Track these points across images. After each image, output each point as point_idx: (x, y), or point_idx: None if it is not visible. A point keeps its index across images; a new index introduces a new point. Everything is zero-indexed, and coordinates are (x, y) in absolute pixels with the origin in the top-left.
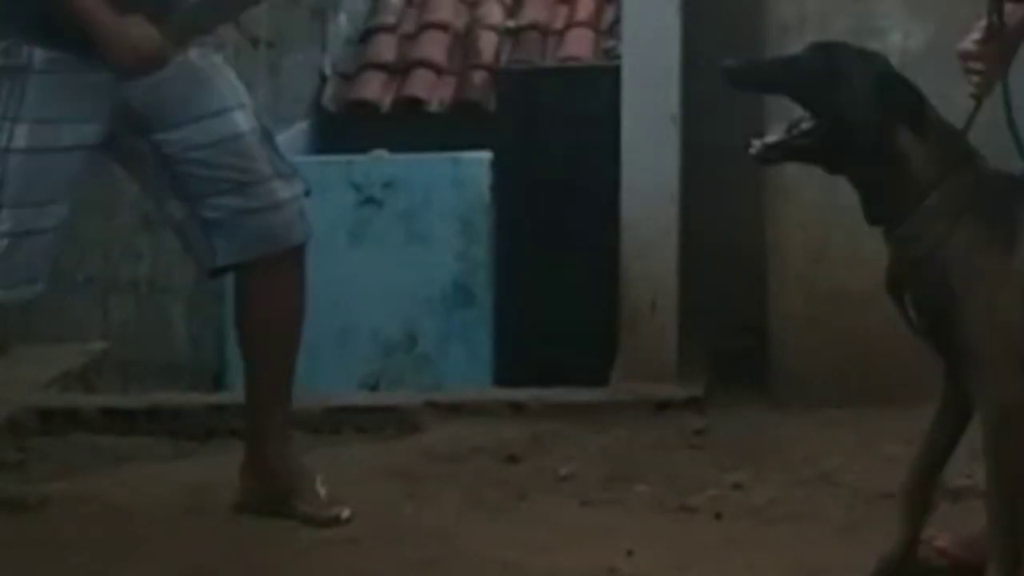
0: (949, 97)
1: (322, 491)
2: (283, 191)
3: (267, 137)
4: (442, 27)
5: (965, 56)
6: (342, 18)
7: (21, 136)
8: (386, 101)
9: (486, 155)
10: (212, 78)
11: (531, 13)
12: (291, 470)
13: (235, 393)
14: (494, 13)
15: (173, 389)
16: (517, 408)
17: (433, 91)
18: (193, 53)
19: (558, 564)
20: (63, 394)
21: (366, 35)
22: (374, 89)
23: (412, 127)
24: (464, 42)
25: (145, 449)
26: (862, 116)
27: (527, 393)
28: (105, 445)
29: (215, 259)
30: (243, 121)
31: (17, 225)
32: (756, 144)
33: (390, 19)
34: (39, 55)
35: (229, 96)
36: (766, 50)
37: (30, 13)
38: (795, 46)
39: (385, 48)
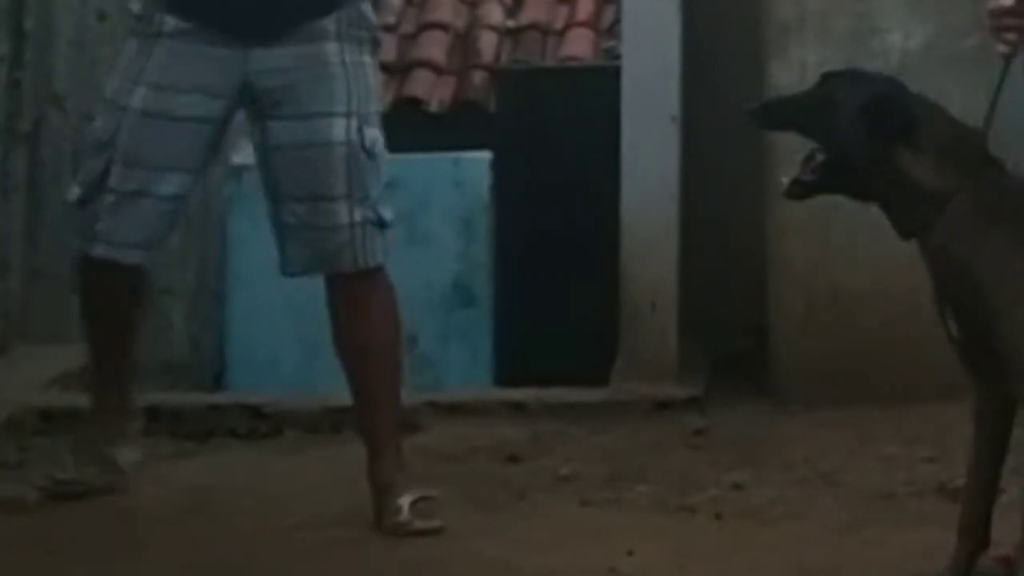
0: (949, 97)
1: (405, 503)
2: (343, 215)
3: (364, 154)
4: (442, 27)
5: (998, 13)
6: None
7: (139, 97)
8: (386, 101)
9: (486, 155)
10: (336, 78)
11: (531, 13)
12: (378, 485)
13: (235, 393)
14: (494, 13)
15: (173, 389)
16: (517, 408)
17: (433, 91)
18: (332, 48)
19: (558, 564)
20: (63, 394)
21: None
22: None
23: (412, 127)
24: (464, 42)
25: (145, 449)
26: (851, 143)
27: (527, 393)
28: None
29: (284, 266)
30: (340, 130)
31: (126, 184)
32: (783, 181)
33: (390, 19)
34: (171, 23)
35: (340, 100)
36: (766, 50)
37: None
38: (795, 46)
39: (385, 48)
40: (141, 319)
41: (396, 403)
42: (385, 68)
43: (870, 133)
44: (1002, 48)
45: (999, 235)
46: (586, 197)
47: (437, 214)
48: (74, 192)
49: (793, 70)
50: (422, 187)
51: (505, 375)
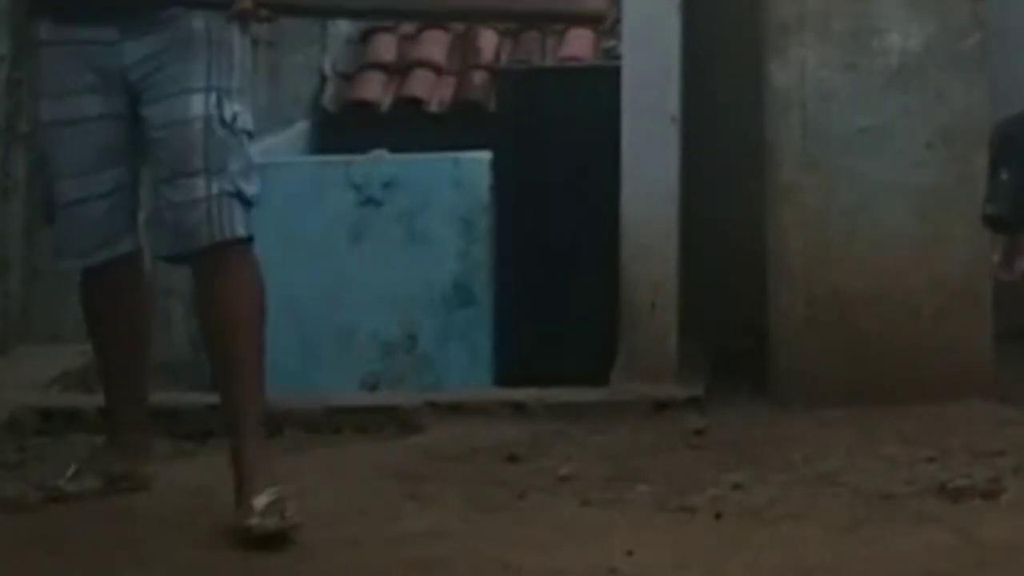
0: (949, 97)
1: (260, 504)
2: (201, 189)
3: (222, 128)
4: (442, 27)
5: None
6: None
7: (45, 110)
8: (386, 101)
9: (486, 155)
10: (198, 54)
11: None
12: (238, 474)
13: None
14: None
15: (173, 389)
16: (517, 408)
17: (433, 91)
18: (198, 24)
19: (558, 564)
20: (63, 394)
21: (366, 35)
22: (374, 89)
23: (412, 127)
24: (464, 42)
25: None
26: None
27: (527, 393)
28: None
29: (153, 250)
30: (199, 106)
31: (67, 195)
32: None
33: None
34: (46, 29)
35: (199, 75)
36: (766, 50)
37: None
38: (795, 46)
39: (385, 48)
40: (148, 332)
41: (259, 384)
42: (385, 68)
43: None
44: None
45: None
46: (586, 197)
47: (437, 214)
48: (42, 213)
49: (793, 70)
50: (422, 187)
51: (505, 375)
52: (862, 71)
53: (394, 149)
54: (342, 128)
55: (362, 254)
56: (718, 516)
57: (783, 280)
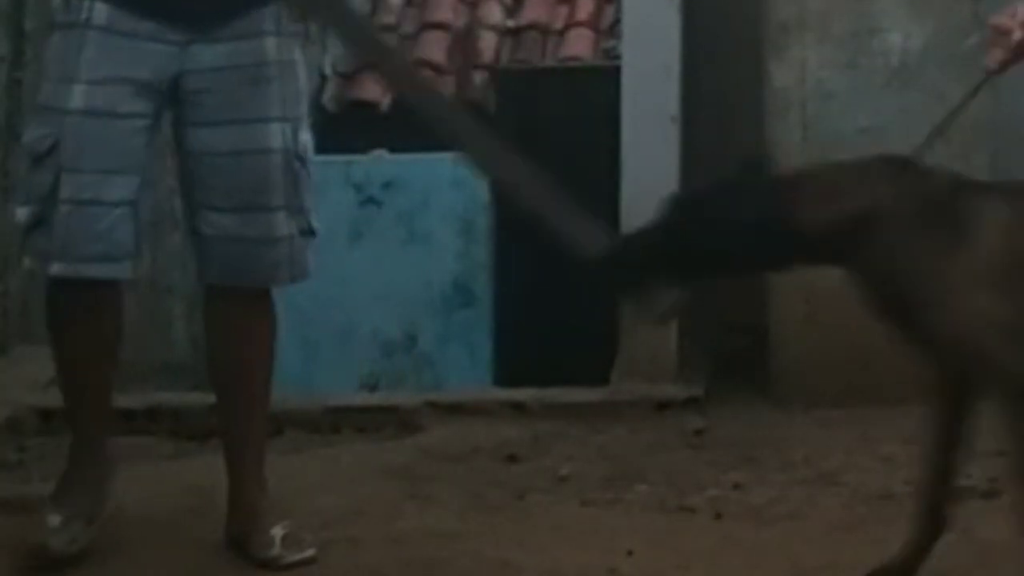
0: (949, 97)
1: (277, 535)
2: (282, 227)
3: (297, 161)
4: (442, 27)
5: (994, 29)
6: None
7: (77, 96)
8: (386, 101)
9: None
10: (272, 80)
11: (531, 13)
12: (241, 508)
13: None
14: (494, 13)
15: (173, 389)
16: (517, 408)
17: None
18: (271, 44)
19: (558, 564)
20: None
21: None
22: (374, 89)
23: (412, 127)
24: (464, 42)
25: (145, 449)
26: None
27: (527, 393)
28: None
29: (206, 276)
30: (276, 137)
31: (78, 191)
32: None
33: (390, 19)
34: (100, 11)
35: (275, 104)
36: (766, 50)
37: None
38: (795, 46)
39: None
40: (116, 359)
41: (266, 418)
42: None
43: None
44: (988, 63)
45: (920, 240)
46: (586, 197)
47: (437, 214)
48: (23, 213)
49: (793, 70)
50: (422, 187)
51: (505, 375)
52: (862, 71)
53: (394, 149)
54: (342, 128)
55: (362, 254)
56: (718, 516)
57: (783, 280)
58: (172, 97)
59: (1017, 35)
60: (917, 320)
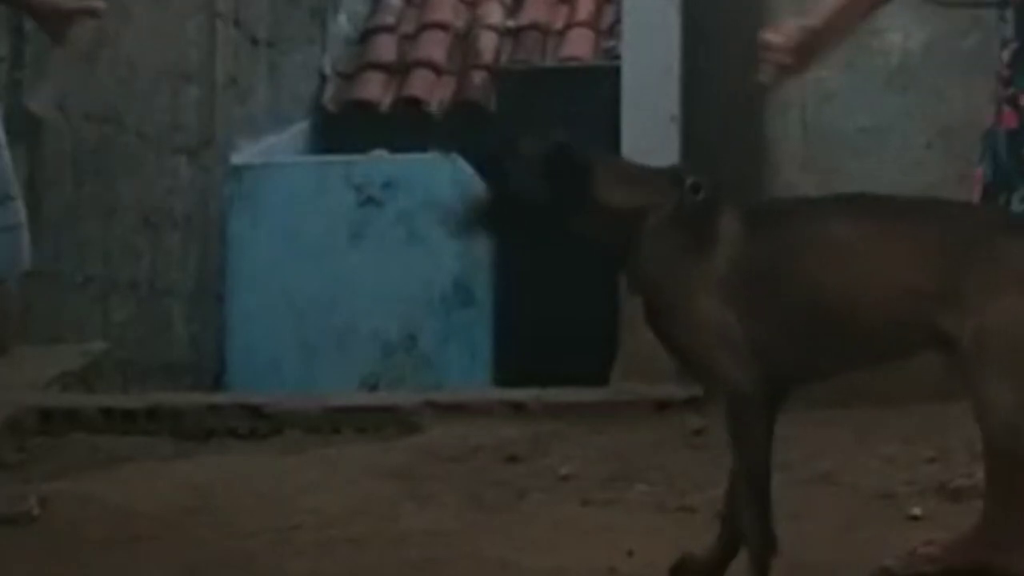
0: (949, 97)
1: None
2: (21, 213)
3: None
4: (442, 27)
5: (762, 46)
6: (342, 18)
7: None
8: (386, 101)
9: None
10: None
11: (531, 13)
12: None
13: (235, 393)
14: (494, 13)
15: (173, 389)
16: (517, 408)
17: (433, 91)
18: None
19: (558, 564)
20: (63, 394)
21: (366, 35)
22: (374, 89)
23: (412, 127)
24: (464, 42)
25: (145, 449)
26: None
27: (527, 393)
28: (105, 445)
29: None
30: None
31: None
32: None
33: (390, 19)
34: None
35: None
36: None
37: None
38: None
39: (385, 48)
40: None
41: None
42: (385, 68)
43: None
44: (761, 76)
45: (673, 245)
46: None
47: (437, 214)
48: None
49: None
50: (422, 187)
51: (505, 375)
52: (862, 71)
53: (394, 149)
54: (342, 128)
55: (362, 254)
56: (718, 516)
57: None
58: None
59: (786, 60)
60: (659, 324)
